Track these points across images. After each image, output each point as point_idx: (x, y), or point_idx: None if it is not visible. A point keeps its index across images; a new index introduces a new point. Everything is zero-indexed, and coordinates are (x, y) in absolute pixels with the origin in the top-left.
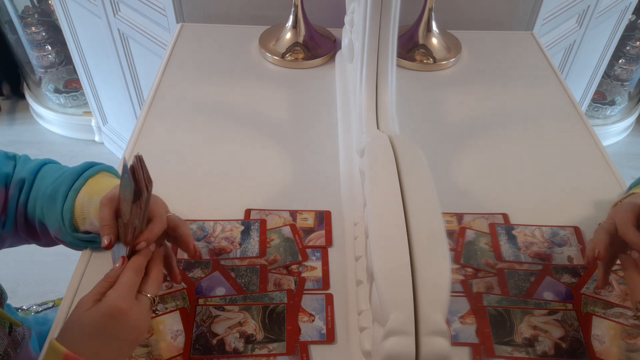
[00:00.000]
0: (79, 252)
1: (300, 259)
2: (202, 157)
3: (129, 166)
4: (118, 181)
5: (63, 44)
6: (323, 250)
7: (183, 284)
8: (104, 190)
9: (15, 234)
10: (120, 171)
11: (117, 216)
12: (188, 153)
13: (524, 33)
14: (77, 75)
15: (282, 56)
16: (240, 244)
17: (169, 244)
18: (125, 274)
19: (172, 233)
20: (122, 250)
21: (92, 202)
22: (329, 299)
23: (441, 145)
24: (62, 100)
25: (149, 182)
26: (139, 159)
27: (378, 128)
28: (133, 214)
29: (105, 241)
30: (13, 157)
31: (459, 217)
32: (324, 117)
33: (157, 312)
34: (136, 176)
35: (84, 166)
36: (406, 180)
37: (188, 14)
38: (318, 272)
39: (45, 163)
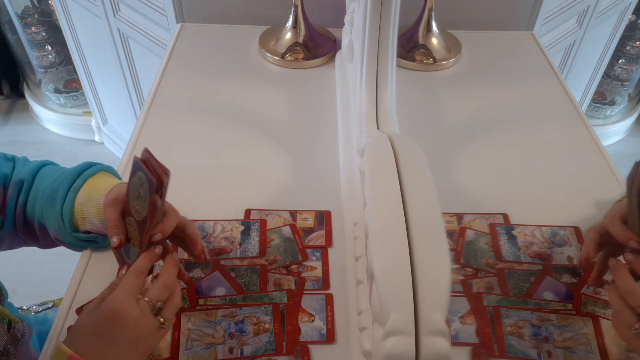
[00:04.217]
0: (79, 252)
1: (300, 259)
2: (202, 157)
3: (140, 160)
4: (117, 181)
5: (63, 44)
6: (323, 250)
7: (183, 284)
8: (103, 189)
9: (14, 235)
10: (120, 171)
11: (123, 216)
12: (188, 153)
13: (524, 33)
14: (77, 75)
15: (282, 56)
16: (240, 244)
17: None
18: (125, 278)
19: (180, 233)
20: (130, 252)
21: (91, 201)
22: (329, 299)
23: (441, 145)
24: (62, 100)
25: (165, 172)
26: (149, 152)
27: (378, 128)
28: (149, 208)
29: (115, 240)
30: (12, 159)
31: (459, 217)
32: (324, 117)
33: (163, 325)
34: (151, 168)
35: (83, 166)
36: (406, 180)
37: (188, 14)
38: (318, 272)
39: (44, 164)
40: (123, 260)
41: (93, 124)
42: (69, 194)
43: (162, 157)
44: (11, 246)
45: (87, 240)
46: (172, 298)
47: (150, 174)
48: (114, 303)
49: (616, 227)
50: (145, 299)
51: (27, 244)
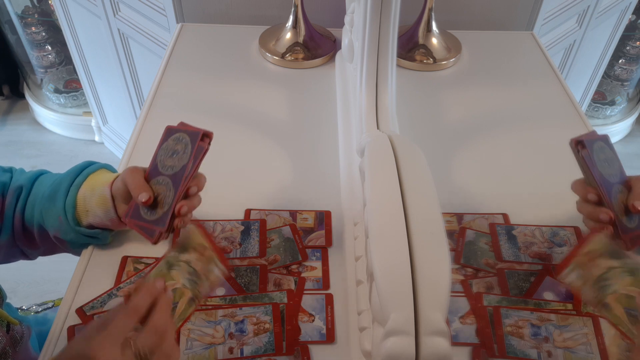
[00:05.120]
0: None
1: (300, 259)
2: None
3: (175, 127)
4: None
5: (63, 44)
6: (323, 250)
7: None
8: (106, 181)
9: (12, 244)
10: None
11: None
12: None
13: (524, 33)
14: (77, 75)
15: (282, 56)
16: (240, 244)
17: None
18: (117, 316)
19: None
20: (156, 213)
21: (94, 194)
22: (329, 299)
23: (441, 145)
24: (62, 100)
25: (210, 132)
26: (185, 124)
27: (378, 128)
28: (192, 155)
29: (143, 198)
30: (9, 170)
31: (459, 217)
32: (324, 117)
33: None
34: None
35: (83, 165)
36: (406, 180)
37: (188, 14)
38: (318, 272)
39: (42, 173)
40: (146, 224)
41: (93, 124)
42: (71, 190)
43: None
44: (7, 258)
45: (89, 236)
46: (162, 345)
47: (193, 129)
48: (91, 347)
49: (577, 186)
50: (132, 348)
51: (24, 256)
